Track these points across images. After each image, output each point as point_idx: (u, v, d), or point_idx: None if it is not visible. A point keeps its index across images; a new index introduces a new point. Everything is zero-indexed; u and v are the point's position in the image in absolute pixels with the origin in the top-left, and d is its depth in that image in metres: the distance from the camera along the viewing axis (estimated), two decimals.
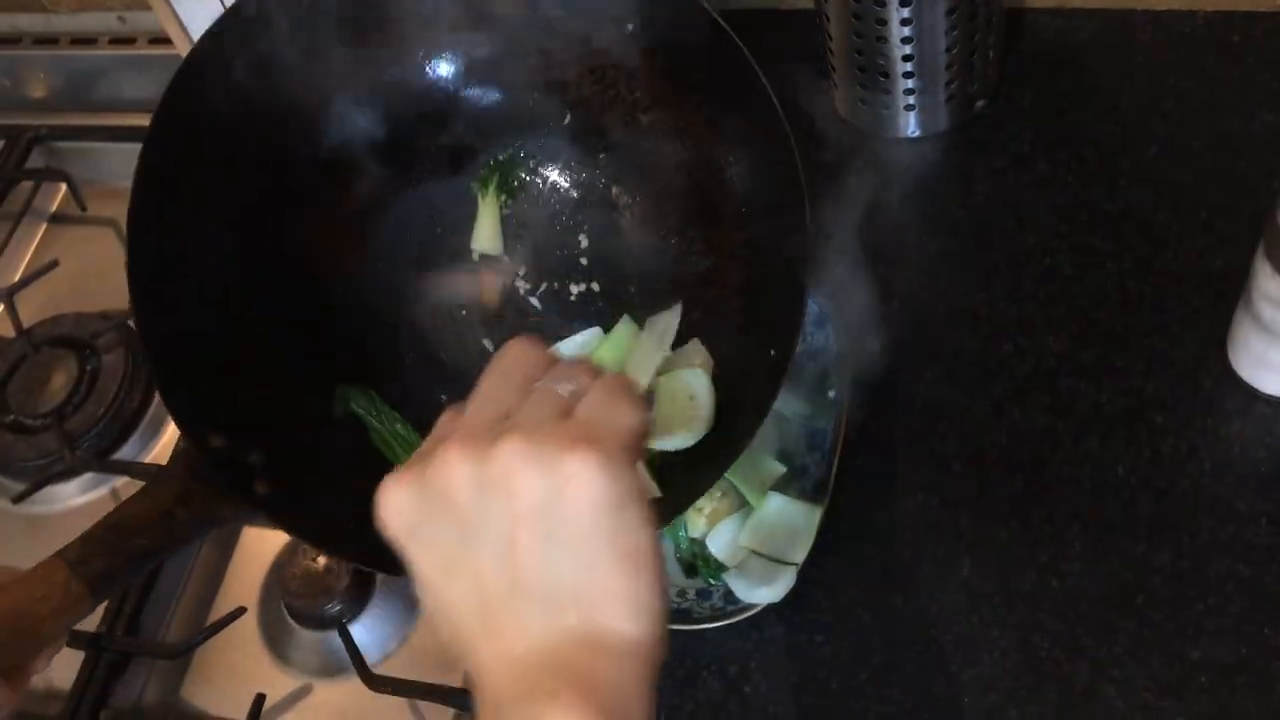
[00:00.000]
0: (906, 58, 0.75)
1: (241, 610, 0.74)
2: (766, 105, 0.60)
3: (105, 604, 0.75)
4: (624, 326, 0.67)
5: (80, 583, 0.53)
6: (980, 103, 0.81)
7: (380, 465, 0.66)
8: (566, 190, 0.71)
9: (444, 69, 0.68)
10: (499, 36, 0.67)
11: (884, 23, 0.73)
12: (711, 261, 0.67)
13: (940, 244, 0.76)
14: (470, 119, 0.70)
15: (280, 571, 0.74)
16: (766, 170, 0.63)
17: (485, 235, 0.71)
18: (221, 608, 0.76)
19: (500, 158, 0.71)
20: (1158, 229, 0.73)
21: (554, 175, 0.71)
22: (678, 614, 0.65)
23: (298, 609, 0.74)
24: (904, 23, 0.73)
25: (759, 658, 0.65)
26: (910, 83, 0.77)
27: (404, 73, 0.68)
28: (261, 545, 0.79)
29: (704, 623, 0.64)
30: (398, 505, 0.40)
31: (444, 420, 0.43)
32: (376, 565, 0.62)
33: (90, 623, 0.75)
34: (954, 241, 0.76)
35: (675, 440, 0.62)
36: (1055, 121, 0.80)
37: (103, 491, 0.85)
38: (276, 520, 0.58)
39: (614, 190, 0.70)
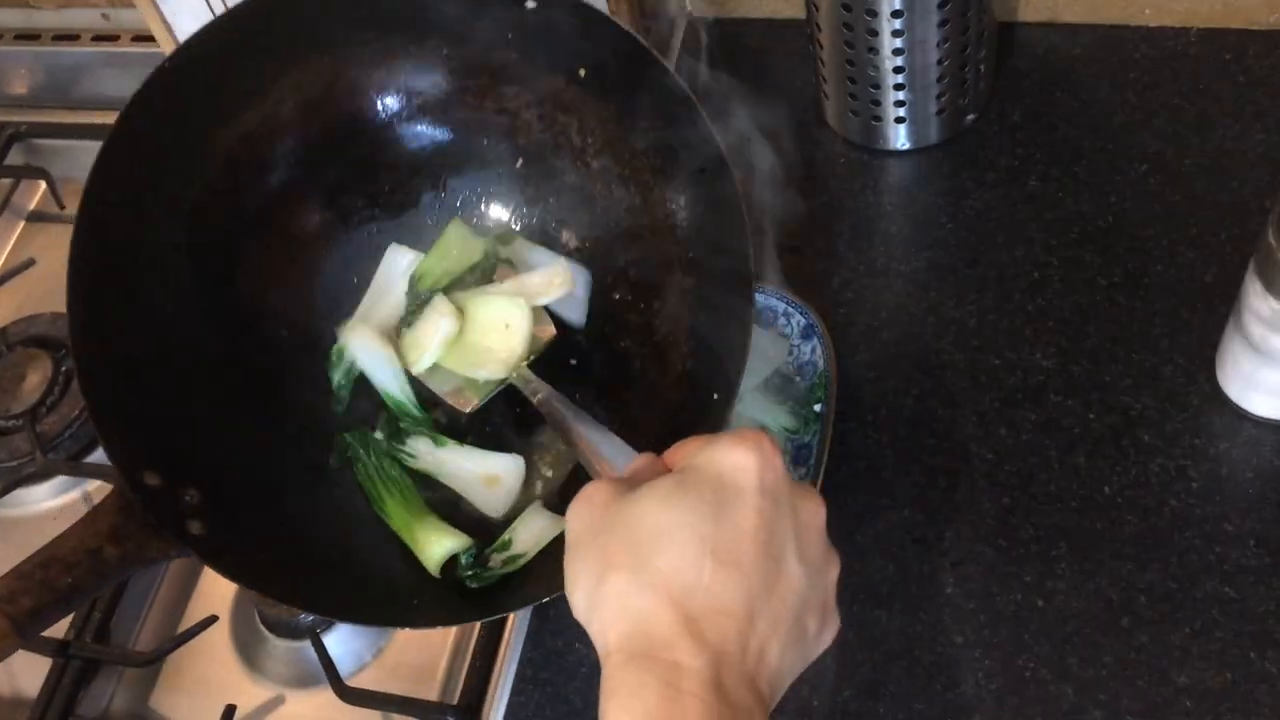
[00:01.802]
0: (898, 69, 0.74)
1: (213, 618, 0.72)
2: (715, 157, 0.60)
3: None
4: (454, 229, 0.66)
5: (6, 620, 0.51)
6: (971, 116, 0.80)
7: (321, 504, 0.65)
8: (512, 228, 0.71)
9: (394, 108, 0.68)
10: (451, 79, 0.67)
11: (875, 34, 0.72)
12: (658, 307, 0.66)
13: (929, 256, 0.76)
14: (422, 159, 0.69)
15: None
16: (714, 223, 0.62)
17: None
18: (193, 615, 0.75)
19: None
20: (1147, 245, 0.73)
21: (503, 215, 0.71)
22: None
23: (271, 618, 0.72)
24: (895, 34, 0.72)
25: None
26: (901, 95, 0.76)
27: (355, 115, 0.68)
28: None
29: None
30: (756, 456, 0.43)
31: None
32: (312, 608, 0.61)
33: (58, 629, 0.73)
34: (943, 254, 0.76)
35: (481, 372, 0.60)
36: (1046, 136, 0.79)
37: (74, 495, 0.83)
38: (208, 561, 0.57)
39: (562, 233, 0.70)
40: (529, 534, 0.63)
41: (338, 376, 0.65)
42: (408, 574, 0.62)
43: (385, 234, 0.69)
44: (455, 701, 0.66)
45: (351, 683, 0.68)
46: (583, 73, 0.65)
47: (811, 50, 0.80)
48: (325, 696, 0.68)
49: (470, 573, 0.62)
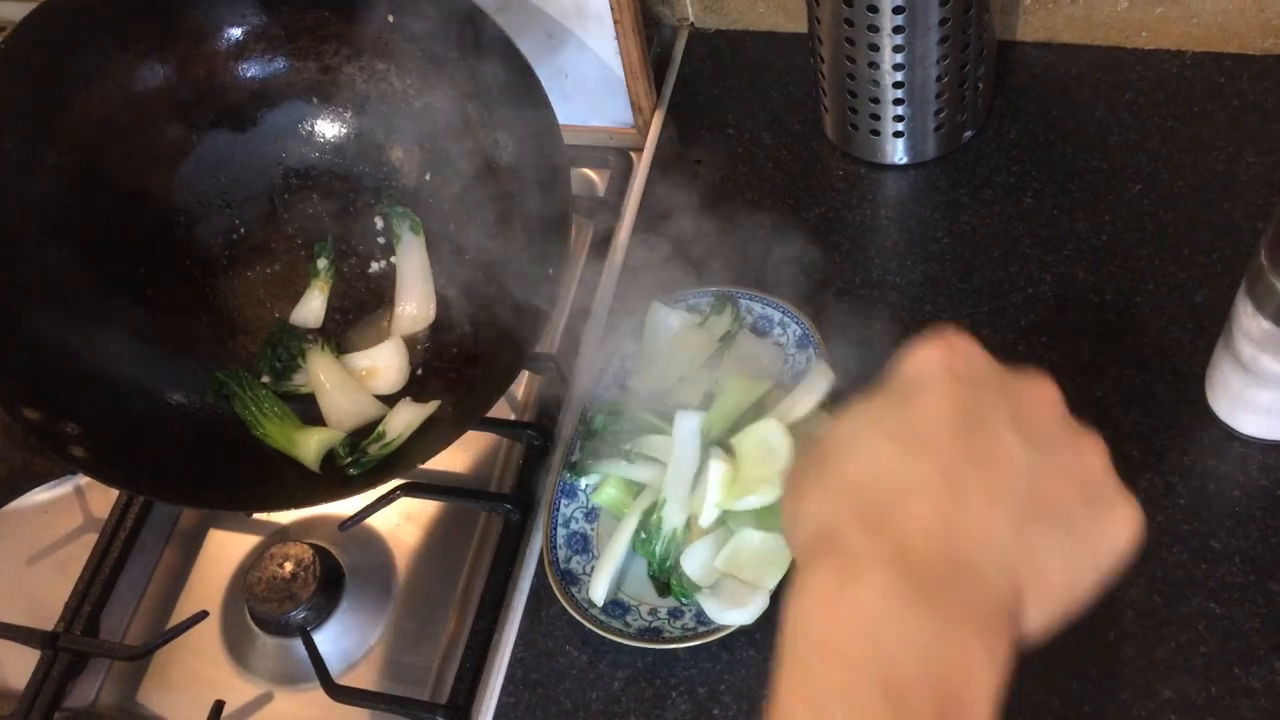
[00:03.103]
0: (897, 85, 0.75)
1: (204, 614, 0.72)
2: (534, 87, 0.68)
3: (64, 601, 0.74)
4: (733, 382, 0.68)
5: None
6: (969, 133, 0.81)
7: (200, 427, 0.72)
8: (358, 179, 0.80)
9: (231, 51, 0.77)
10: (275, 37, 0.76)
11: (876, 49, 0.73)
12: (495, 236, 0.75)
13: (924, 270, 0.77)
14: (261, 90, 0.78)
15: (245, 576, 0.73)
16: (536, 158, 0.71)
17: (311, 311, 0.79)
18: (184, 610, 0.75)
19: (331, 236, 0.80)
20: (1140, 264, 0.74)
21: (334, 131, 0.80)
22: (648, 632, 0.64)
23: (261, 615, 0.72)
24: (896, 50, 0.73)
25: (729, 680, 0.64)
26: (900, 110, 0.77)
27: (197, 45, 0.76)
28: (227, 549, 0.78)
29: (675, 642, 0.63)
30: (965, 352, 0.41)
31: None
32: (202, 505, 0.71)
33: (47, 621, 0.74)
34: (938, 268, 0.76)
35: (752, 500, 0.62)
36: (1042, 154, 0.80)
37: (66, 489, 0.83)
38: (94, 477, 0.64)
39: (402, 168, 0.79)
40: (399, 423, 0.71)
41: (659, 548, 0.65)
42: (293, 475, 0.70)
43: (237, 145, 0.78)
44: (445, 701, 0.66)
45: (341, 681, 0.68)
46: (391, 19, 0.72)
47: (812, 64, 0.80)
48: (314, 695, 0.68)
49: (349, 460, 0.70)
